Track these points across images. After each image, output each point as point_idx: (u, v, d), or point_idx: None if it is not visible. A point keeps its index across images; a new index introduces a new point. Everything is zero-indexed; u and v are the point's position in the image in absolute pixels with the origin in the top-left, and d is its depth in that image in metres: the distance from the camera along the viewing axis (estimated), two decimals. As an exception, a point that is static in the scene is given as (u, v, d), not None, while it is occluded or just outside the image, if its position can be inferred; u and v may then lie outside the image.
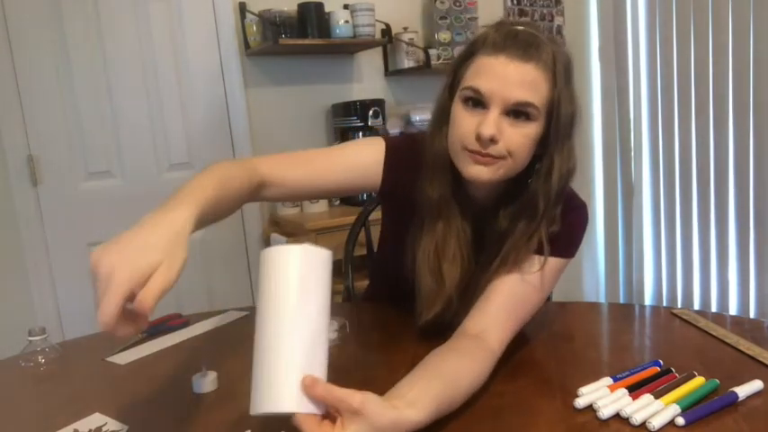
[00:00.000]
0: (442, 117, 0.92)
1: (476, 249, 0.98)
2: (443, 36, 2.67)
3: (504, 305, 0.90)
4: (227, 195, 0.81)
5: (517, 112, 0.83)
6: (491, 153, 0.84)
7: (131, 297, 0.57)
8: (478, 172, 0.86)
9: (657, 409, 0.73)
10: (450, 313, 0.96)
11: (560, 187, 0.88)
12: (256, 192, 0.92)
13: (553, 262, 0.92)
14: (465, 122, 0.86)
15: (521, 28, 0.86)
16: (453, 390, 0.76)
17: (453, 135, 0.88)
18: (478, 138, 0.83)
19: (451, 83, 0.91)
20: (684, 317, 1.07)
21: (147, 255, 0.59)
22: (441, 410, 0.73)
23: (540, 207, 0.88)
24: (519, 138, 0.84)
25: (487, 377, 0.83)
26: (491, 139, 0.83)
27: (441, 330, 0.93)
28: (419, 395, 0.71)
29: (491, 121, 0.82)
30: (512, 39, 0.84)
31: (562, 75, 0.85)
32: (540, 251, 0.91)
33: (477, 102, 0.85)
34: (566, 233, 0.93)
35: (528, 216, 0.90)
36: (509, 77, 0.82)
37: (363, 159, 1.02)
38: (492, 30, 0.87)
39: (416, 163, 0.97)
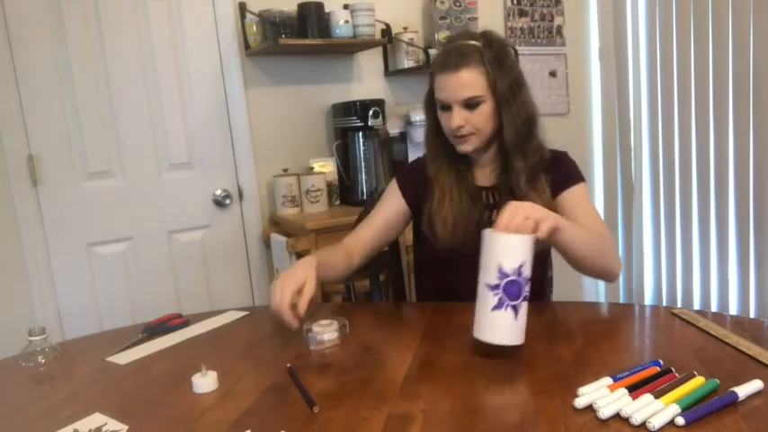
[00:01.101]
0: (429, 116, 1.36)
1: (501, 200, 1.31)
2: (443, 36, 2.67)
3: (586, 220, 1.24)
4: (332, 262, 1.25)
5: (469, 104, 1.24)
6: (464, 134, 1.27)
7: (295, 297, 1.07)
8: (464, 148, 1.29)
9: (657, 408, 0.73)
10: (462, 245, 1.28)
11: (521, 130, 1.26)
12: (350, 257, 1.32)
13: (577, 189, 1.30)
14: (444, 121, 1.29)
15: (454, 44, 1.27)
16: (585, 230, 1.16)
17: (444, 130, 1.31)
18: (451, 129, 1.26)
19: (431, 93, 1.32)
20: (684, 317, 1.07)
21: (298, 273, 1.09)
22: (572, 229, 1.11)
23: (516, 145, 1.27)
24: (477, 118, 1.26)
25: (610, 243, 1.21)
26: (459, 127, 1.25)
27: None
28: None
29: (455, 117, 1.25)
30: (447, 57, 1.25)
31: (492, 62, 1.23)
32: (563, 189, 1.29)
33: (446, 106, 1.27)
34: (565, 169, 1.33)
35: (518, 153, 1.28)
36: (453, 86, 1.24)
37: (389, 195, 1.42)
38: (438, 54, 1.31)
39: (425, 174, 1.37)
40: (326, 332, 1.07)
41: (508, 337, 0.92)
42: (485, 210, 1.33)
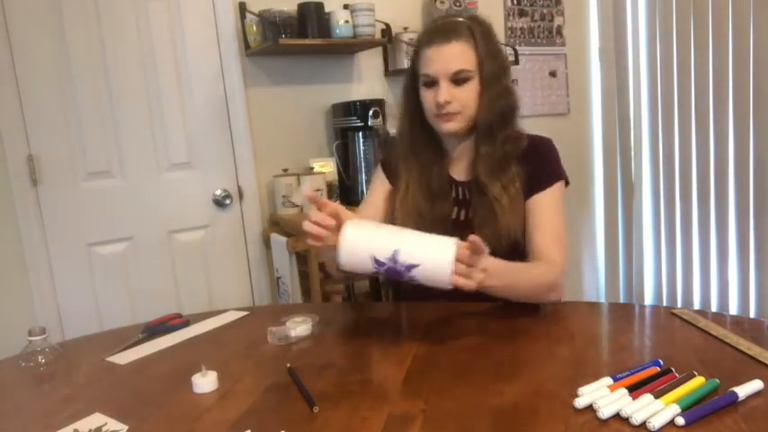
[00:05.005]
0: (407, 101, 1.30)
1: (470, 192, 1.29)
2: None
3: (544, 237, 1.21)
4: None
5: (458, 78, 1.20)
6: (451, 111, 1.21)
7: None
8: (448, 127, 1.23)
9: (657, 408, 0.73)
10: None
11: (499, 113, 1.22)
12: None
13: (547, 195, 1.24)
14: (428, 98, 1.23)
15: (443, 20, 1.26)
16: (521, 272, 1.14)
17: (426, 109, 1.25)
18: (438, 104, 1.20)
19: (413, 75, 1.28)
20: (684, 317, 1.07)
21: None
22: (508, 275, 1.11)
23: (487, 129, 1.23)
24: (465, 95, 1.21)
25: (551, 278, 1.17)
26: (446, 102, 1.20)
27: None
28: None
29: (443, 91, 1.20)
30: (435, 31, 1.22)
31: (481, 40, 1.21)
32: (536, 189, 1.23)
33: (432, 82, 1.21)
34: (542, 166, 1.26)
35: (488, 138, 1.23)
36: (443, 57, 1.19)
37: (376, 180, 1.39)
38: (424, 31, 1.28)
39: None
40: (297, 327, 1.10)
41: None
42: (454, 205, 1.30)
